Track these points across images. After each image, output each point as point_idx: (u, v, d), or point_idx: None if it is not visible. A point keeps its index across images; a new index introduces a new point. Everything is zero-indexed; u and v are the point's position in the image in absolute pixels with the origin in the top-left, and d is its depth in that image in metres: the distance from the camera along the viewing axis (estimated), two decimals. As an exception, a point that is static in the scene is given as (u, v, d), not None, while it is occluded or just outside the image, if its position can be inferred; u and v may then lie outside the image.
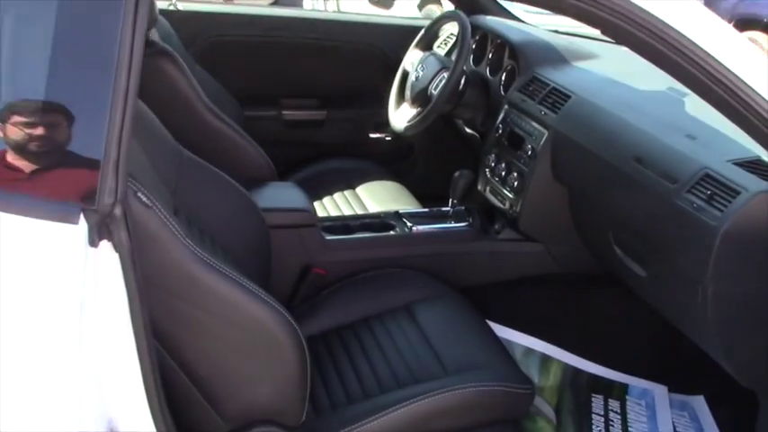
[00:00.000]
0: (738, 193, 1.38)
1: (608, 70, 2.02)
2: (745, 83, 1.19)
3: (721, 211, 1.38)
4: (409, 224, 2.03)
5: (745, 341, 1.50)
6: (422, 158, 2.85)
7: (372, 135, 2.77)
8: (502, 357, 1.68)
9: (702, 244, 1.40)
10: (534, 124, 1.97)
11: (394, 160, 2.80)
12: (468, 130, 2.44)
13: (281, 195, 1.92)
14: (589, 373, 2.07)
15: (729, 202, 1.38)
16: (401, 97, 2.39)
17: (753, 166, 1.43)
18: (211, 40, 2.51)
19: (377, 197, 2.38)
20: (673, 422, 2.00)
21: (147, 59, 1.00)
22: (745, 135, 1.27)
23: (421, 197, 2.64)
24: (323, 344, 1.72)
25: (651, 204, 1.57)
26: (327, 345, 1.71)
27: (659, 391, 2.08)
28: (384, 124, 2.43)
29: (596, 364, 2.07)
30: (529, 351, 2.06)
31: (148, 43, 1.79)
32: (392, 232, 2.00)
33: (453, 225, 2.05)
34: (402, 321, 1.77)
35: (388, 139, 2.76)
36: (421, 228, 2.02)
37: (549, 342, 2.06)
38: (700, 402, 2.07)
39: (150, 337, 1.06)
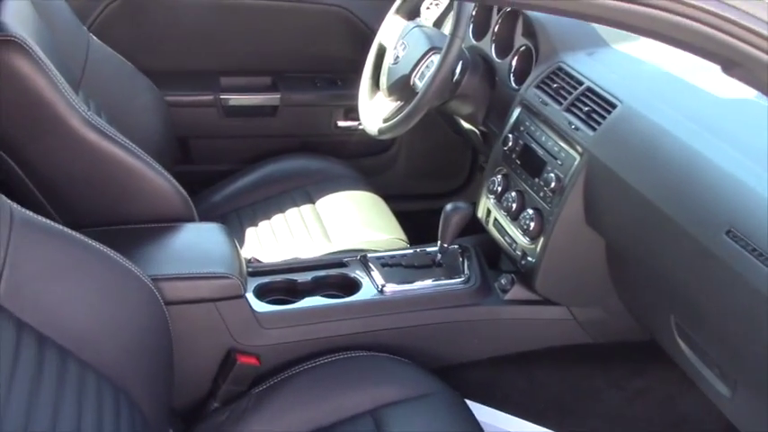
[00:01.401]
0: None
1: (670, 60, 1.39)
2: None
3: None
4: (379, 281, 1.43)
5: None
6: (405, 152, 2.24)
7: (341, 123, 2.15)
8: None
9: None
10: (561, 143, 1.35)
11: (369, 154, 2.19)
12: (465, 125, 1.83)
13: (194, 249, 1.32)
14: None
15: None
16: (375, 84, 1.77)
17: None
18: (119, 2, 1.87)
19: (343, 217, 1.78)
20: None
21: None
22: None
23: (402, 199, 2.07)
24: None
25: (746, 300, 0.99)
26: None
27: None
28: (357, 110, 1.82)
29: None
30: (544, 449, 1.50)
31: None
32: (353, 297, 1.41)
33: (443, 283, 1.46)
34: (363, 438, 1.21)
35: (361, 128, 2.14)
36: (396, 288, 1.43)
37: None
38: None
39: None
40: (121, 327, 1.07)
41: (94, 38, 1.68)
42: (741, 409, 1.12)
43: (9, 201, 0.98)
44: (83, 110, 1.25)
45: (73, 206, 1.35)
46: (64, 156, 1.28)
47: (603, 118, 1.28)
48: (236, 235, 1.74)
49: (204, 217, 1.81)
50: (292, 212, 1.81)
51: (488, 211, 1.55)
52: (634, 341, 1.48)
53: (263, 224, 1.78)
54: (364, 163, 2.16)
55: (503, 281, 1.48)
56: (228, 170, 1.98)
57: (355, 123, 2.11)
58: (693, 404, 1.50)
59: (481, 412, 1.47)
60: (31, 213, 0.99)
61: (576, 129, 1.32)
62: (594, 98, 1.33)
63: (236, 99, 2.05)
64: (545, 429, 1.49)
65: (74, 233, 1.03)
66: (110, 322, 1.05)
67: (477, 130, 1.78)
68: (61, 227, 1.02)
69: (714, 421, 1.46)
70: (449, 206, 1.43)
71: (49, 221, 1.01)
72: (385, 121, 1.64)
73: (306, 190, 1.89)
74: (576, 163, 1.31)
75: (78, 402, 0.96)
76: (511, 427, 1.47)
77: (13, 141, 1.26)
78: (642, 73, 1.37)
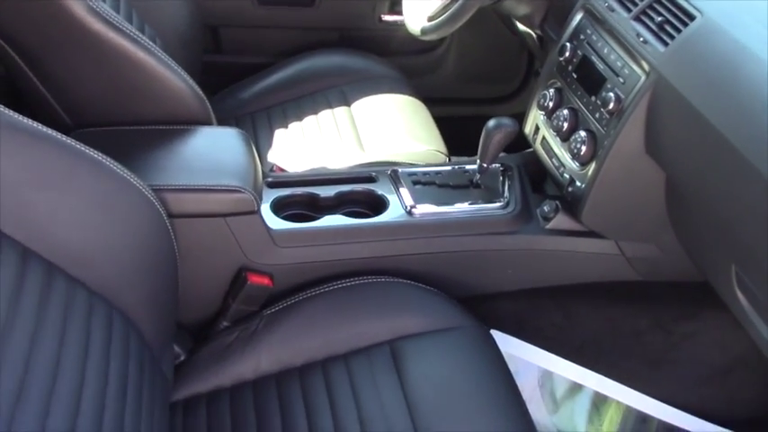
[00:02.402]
0: None
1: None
2: None
3: None
4: (408, 201, 1.31)
5: None
6: (455, 52, 2.05)
7: (386, 17, 1.96)
8: None
9: None
10: (626, 58, 1.17)
11: (415, 53, 2.02)
12: (522, 27, 1.64)
13: (205, 157, 1.20)
14: (661, 422, 1.42)
15: None
16: (422, -25, 1.58)
17: None
18: None
19: (379, 124, 1.64)
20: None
21: None
22: None
23: (448, 103, 1.91)
24: (254, 395, 1.11)
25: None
26: (261, 398, 1.10)
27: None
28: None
29: (674, 408, 1.41)
30: (576, 388, 1.40)
31: None
32: (378, 218, 1.28)
33: (479, 207, 1.32)
34: (378, 369, 1.12)
35: (397, 23, 1.96)
36: (426, 210, 1.30)
37: (608, 376, 1.39)
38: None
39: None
40: (116, 241, 0.98)
41: None
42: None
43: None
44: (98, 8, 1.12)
45: (80, 104, 1.25)
46: (68, 49, 1.17)
47: (678, 31, 1.09)
48: (264, 137, 1.63)
49: (232, 114, 1.70)
50: (325, 115, 1.68)
51: (537, 128, 1.39)
52: (686, 282, 1.34)
53: (293, 126, 1.66)
54: (409, 62, 1.99)
55: (546, 208, 1.33)
56: (261, 63, 1.85)
57: (401, 18, 1.93)
58: (744, 351, 1.37)
59: (509, 344, 1.37)
60: (18, 117, 0.88)
61: (645, 42, 1.13)
62: (670, 6, 1.13)
63: (267, -18, 1.88)
64: (578, 366, 1.39)
65: (65, 138, 0.93)
66: (102, 236, 0.96)
67: (534, 34, 1.59)
68: (50, 131, 0.91)
69: (765, 372, 1.34)
70: (491, 122, 1.28)
71: (36, 124, 0.90)
72: (430, 19, 1.47)
73: (342, 90, 1.75)
74: (640, 82, 1.13)
75: (63, 319, 0.88)
76: (540, 361, 1.37)
77: (16, 34, 1.15)
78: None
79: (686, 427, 1.40)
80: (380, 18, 1.96)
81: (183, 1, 1.63)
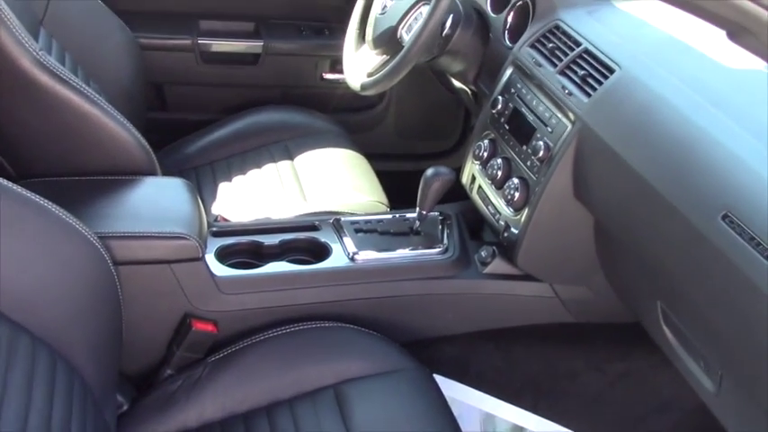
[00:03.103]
0: None
1: (674, 24, 1.27)
2: None
3: None
4: (351, 248, 1.34)
5: None
6: (395, 109, 2.13)
7: (327, 76, 2.03)
8: None
9: None
10: (553, 109, 1.25)
11: (356, 110, 2.08)
12: (457, 83, 1.72)
13: (151, 206, 1.22)
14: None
15: None
16: (361, 36, 1.65)
17: None
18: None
19: (322, 176, 1.68)
20: None
21: None
22: None
23: (388, 159, 1.97)
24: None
25: (738, 292, 0.90)
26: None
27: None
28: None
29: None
30: (517, 430, 1.43)
31: None
32: (321, 264, 1.31)
33: (419, 253, 1.36)
34: (323, 413, 1.13)
35: (338, 80, 2.02)
36: (368, 257, 1.34)
37: (547, 417, 1.43)
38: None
39: None
40: (60, 287, 0.98)
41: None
42: (726, 405, 1.04)
43: None
44: (33, 48, 1.15)
45: (25, 156, 1.26)
46: (13, 99, 1.18)
47: (600, 83, 1.18)
48: (208, 190, 1.65)
49: (176, 169, 1.72)
50: (269, 168, 1.71)
51: (473, 178, 1.45)
52: (618, 323, 1.40)
53: (237, 179, 1.69)
54: (350, 119, 2.05)
55: (483, 253, 1.39)
56: (205, 120, 1.88)
57: (342, 76, 2.00)
58: (677, 390, 1.42)
59: (451, 388, 1.40)
60: None
61: (570, 94, 1.21)
62: (592, 61, 1.22)
63: (215, 45, 1.93)
64: (519, 409, 1.42)
65: (10, 184, 0.94)
66: (47, 282, 0.97)
67: (468, 90, 1.67)
68: None
69: (698, 409, 1.39)
70: (429, 171, 1.34)
71: None
72: (369, 75, 1.54)
73: (285, 144, 1.79)
74: (567, 131, 1.20)
75: (6, 365, 0.88)
76: (483, 405, 1.40)
77: None
78: (644, 36, 1.25)
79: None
80: (322, 76, 2.02)
81: (128, 57, 1.66)
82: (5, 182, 0.93)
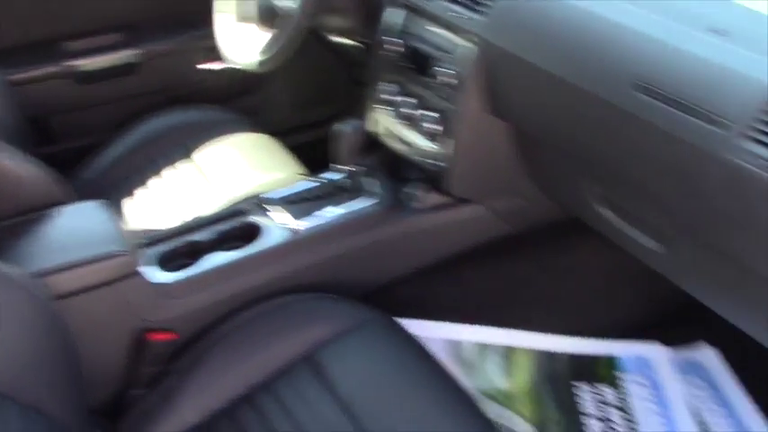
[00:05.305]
0: None
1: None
2: None
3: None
4: (284, 220, 1.33)
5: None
6: (283, 84, 2.10)
7: (207, 66, 1.98)
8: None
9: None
10: (451, 36, 1.26)
11: (245, 93, 2.05)
12: (344, 40, 1.71)
13: (76, 233, 1.17)
14: (566, 355, 1.51)
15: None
16: (239, 15, 1.61)
17: None
18: None
19: (231, 165, 1.65)
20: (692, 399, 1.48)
21: None
22: None
23: (294, 132, 1.97)
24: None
25: (666, 152, 0.95)
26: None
27: (656, 353, 1.55)
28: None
29: (572, 338, 1.50)
30: (484, 348, 1.47)
31: None
32: (258, 244, 1.30)
33: (354, 208, 1.37)
34: (304, 385, 1.13)
35: (218, 69, 1.98)
36: (304, 224, 1.33)
37: (510, 327, 1.47)
38: (706, 355, 1.56)
39: None
40: (4, 338, 0.93)
41: None
42: (675, 263, 1.09)
43: None
44: None
45: None
46: None
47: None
48: (125, 206, 1.60)
49: (81, 198, 1.65)
50: (175, 173, 1.67)
51: (382, 123, 1.45)
52: (556, 222, 1.45)
53: (147, 193, 1.64)
54: (244, 103, 2.02)
55: (413, 191, 1.40)
56: (97, 143, 1.81)
57: (219, 65, 1.96)
58: (622, 268, 1.48)
59: (416, 327, 1.42)
60: None
61: (465, 17, 1.23)
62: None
63: (86, 64, 1.85)
64: (479, 327, 1.45)
65: None
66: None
67: (359, 44, 1.67)
68: None
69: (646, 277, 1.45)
70: (334, 127, 1.34)
71: None
72: (263, 51, 1.51)
73: (185, 145, 1.74)
74: (470, 53, 1.22)
75: None
76: (446, 333, 1.43)
77: None
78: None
79: (585, 350, 1.49)
80: (197, 69, 1.97)
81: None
82: None
